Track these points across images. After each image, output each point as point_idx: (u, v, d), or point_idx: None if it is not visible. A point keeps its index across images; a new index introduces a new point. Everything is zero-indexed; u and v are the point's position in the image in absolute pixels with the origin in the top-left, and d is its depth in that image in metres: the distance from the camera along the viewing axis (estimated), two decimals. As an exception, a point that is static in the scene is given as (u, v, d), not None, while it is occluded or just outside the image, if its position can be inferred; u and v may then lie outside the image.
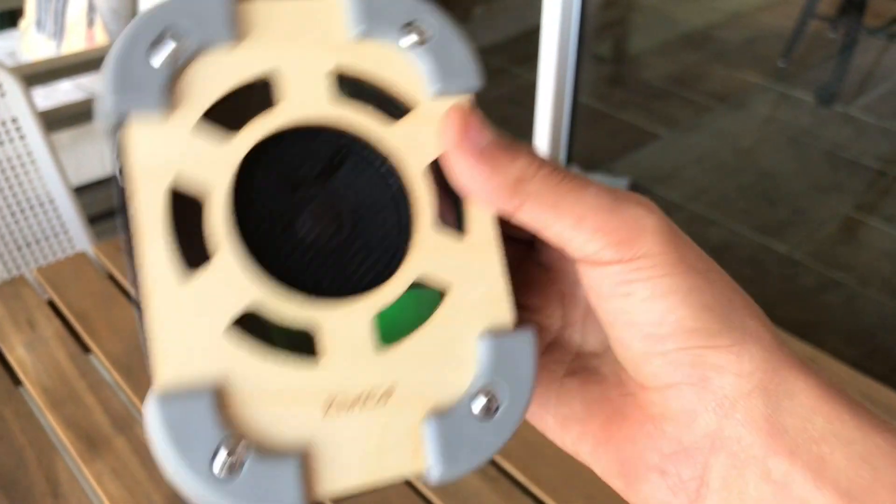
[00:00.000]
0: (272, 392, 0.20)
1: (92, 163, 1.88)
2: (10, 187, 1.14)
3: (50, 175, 1.14)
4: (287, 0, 0.21)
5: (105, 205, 1.99)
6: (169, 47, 0.20)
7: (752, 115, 2.58)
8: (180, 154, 0.20)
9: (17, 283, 0.89)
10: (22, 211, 1.15)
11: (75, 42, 1.99)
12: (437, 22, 0.23)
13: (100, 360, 0.79)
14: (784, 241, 1.99)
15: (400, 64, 0.22)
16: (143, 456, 0.69)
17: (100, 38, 1.97)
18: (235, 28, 0.21)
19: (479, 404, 0.22)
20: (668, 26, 3.15)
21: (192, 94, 0.21)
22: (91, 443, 0.70)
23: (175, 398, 0.20)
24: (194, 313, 0.20)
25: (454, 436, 0.22)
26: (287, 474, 0.20)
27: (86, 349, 0.80)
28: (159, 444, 0.20)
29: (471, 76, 0.23)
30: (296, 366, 0.21)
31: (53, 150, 1.14)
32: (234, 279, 0.20)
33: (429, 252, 0.22)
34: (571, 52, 1.77)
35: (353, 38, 0.22)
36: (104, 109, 0.20)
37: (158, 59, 0.20)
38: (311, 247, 0.22)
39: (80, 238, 1.19)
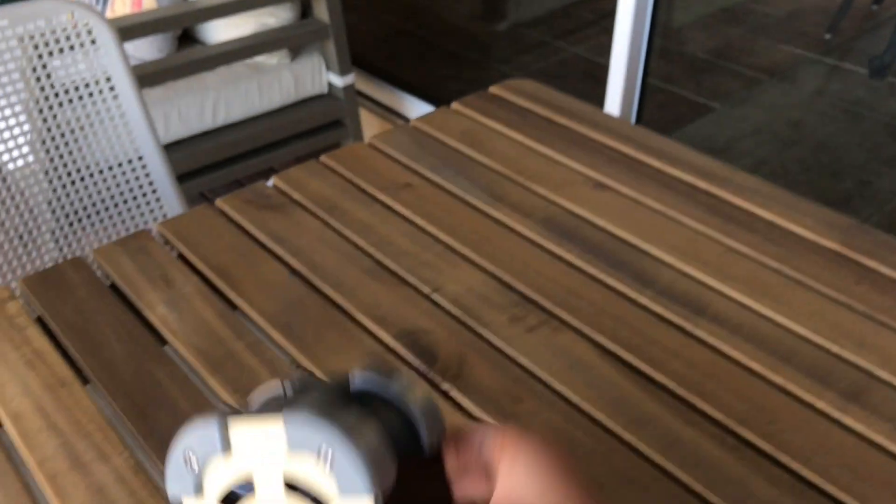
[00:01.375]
0: None
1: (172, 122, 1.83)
2: (98, 143, 1.05)
3: (141, 133, 1.05)
4: (252, 423, 0.33)
5: (185, 167, 1.93)
6: (192, 461, 0.34)
7: (802, 88, 2.51)
8: None
9: (141, 237, 0.80)
10: (111, 169, 1.06)
11: (119, 10, 1.89)
12: (340, 446, 0.32)
13: (251, 317, 0.71)
14: (852, 213, 1.93)
15: (320, 474, 0.33)
16: (328, 422, 0.61)
17: (147, 4, 1.86)
18: (227, 446, 0.34)
19: None
20: (706, 1, 3.08)
21: (209, 485, 0.35)
22: (266, 408, 0.62)
23: None
24: None
25: None
26: None
27: (233, 306, 0.72)
28: None
29: (362, 486, 0.32)
30: None
31: (145, 106, 1.05)
32: None
33: None
34: (646, 26, 1.71)
35: (289, 455, 0.33)
36: (170, 493, 0.35)
37: (188, 468, 0.34)
38: None
39: (169, 197, 1.10)
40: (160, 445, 0.59)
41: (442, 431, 0.40)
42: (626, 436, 0.60)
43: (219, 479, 0.35)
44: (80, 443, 0.59)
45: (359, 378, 0.39)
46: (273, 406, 0.38)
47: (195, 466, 0.35)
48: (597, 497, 0.36)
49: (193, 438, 0.35)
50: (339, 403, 0.36)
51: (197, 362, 0.66)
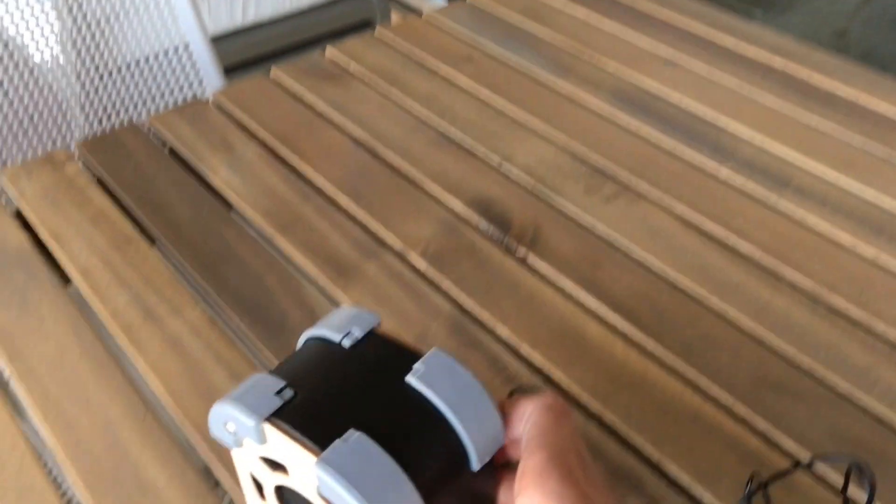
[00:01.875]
0: None
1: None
2: (144, 31, 1.01)
3: (186, 20, 1.01)
4: (289, 440, 0.32)
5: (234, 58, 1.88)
6: (230, 429, 0.35)
7: (848, -4, 2.41)
8: (251, 462, 0.36)
9: (197, 105, 0.77)
10: (156, 57, 1.02)
11: None
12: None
13: (316, 183, 0.68)
14: None
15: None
16: (403, 283, 0.59)
17: None
18: (263, 440, 0.33)
19: None
20: None
21: (249, 445, 0.35)
22: (339, 270, 0.60)
23: None
24: None
25: None
26: None
27: (298, 174, 0.69)
28: None
29: None
30: None
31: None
32: None
33: None
34: None
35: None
36: (212, 434, 0.36)
37: (227, 431, 0.35)
38: None
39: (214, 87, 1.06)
40: (233, 301, 0.57)
41: (498, 447, 0.35)
42: (713, 301, 0.58)
43: (256, 449, 0.35)
44: (151, 297, 0.57)
45: (423, 371, 0.34)
46: (324, 358, 0.36)
47: (233, 434, 0.35)
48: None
49: (234, 416, 0.34)
50: (383, 423, 0.33)
51: (265, 223, 0.64)
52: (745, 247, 0.62)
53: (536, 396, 0.35)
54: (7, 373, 0.53)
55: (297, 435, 0.32)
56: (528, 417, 0.35)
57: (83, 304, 0.58)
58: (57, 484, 0.47)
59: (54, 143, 1.00)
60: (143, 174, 0.69)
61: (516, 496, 0.32)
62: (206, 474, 0.47)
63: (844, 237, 0.63)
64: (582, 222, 0.65)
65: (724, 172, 0.69)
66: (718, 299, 0.58)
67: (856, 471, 0.42)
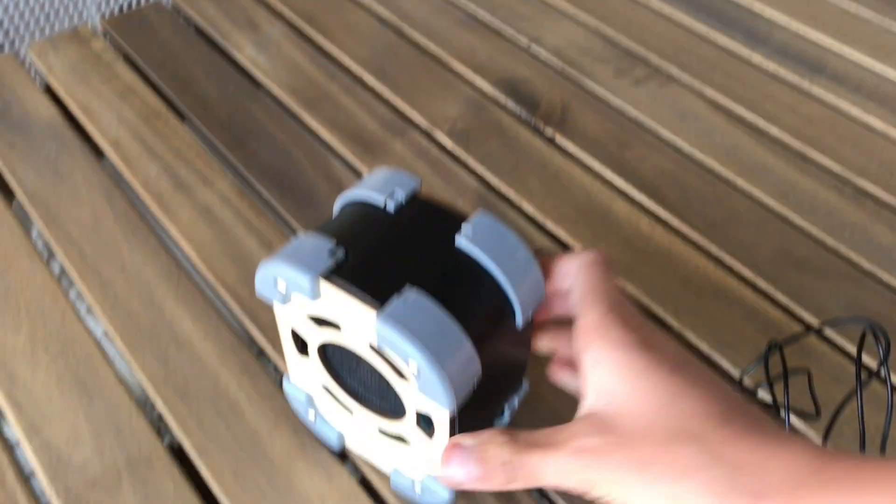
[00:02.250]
0: (329, 409, 0.42)
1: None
2: None
3: None
4: (346, 296, 0.33)
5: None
6: (281, 286, 0.35)
7: None
8: (297, 320, 0.37)
9: (222, -18, 0.76)
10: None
11: None
12: (427, 367, 0.31)
13: (343, 63, 0.68)
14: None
15: (403, 368, 0.33)
16: (429, 161, 0.59)
17: None
18: (317, 296, 0.34)
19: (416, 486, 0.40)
20: None
21: (298, 303, 0.36)
22: (366, 146, 0.60)
23: (293, 387, 0.43)
24: (303, 370, 0.41)
25: (398, 480, 0.41)
26: (334, 432, 0.42)
27: (324, 53, 0.69)
28: (290, 400, 0.44)
29: (441, 401, 0.32)
30: (340, 408, 0.41)
31: None
32: (317, 368, 0.39)
33: (409, 428, 0.37)
34: None
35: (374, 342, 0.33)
36: (258, 293, 0.37)
37: (276, 288, 0.36)
38: (357, 379, 0.39)
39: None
40: (262, 173, 0.58)
41: (539, 303, 0.37)
42: (740, 182, 0.58)
43: (305, 307, 0.36)
44: (181, 168, 0.58)
45: (471, 233, 0.35)
46: (370, 220, 0.36)
47: (283, 291, 0.35)
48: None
49: (289, 274, 0.34)
50: (436, 282, 0.33)
51: (292, 101, 0.64)
52: (774, 131, 0.62)
53: (579, 254, 0.36)
54: (45, 237, 0.54)
55: (356, 291, 0.33)
56: (577, 274, 0.35)
57: (115, 175, 0.59)
58: (96, 338, 0.48)
59: (72, 19, 0.99)
60: (169, 52, 0.69)
61: (581, 352, 0.33)
62: (241, 331, 0.49)
63: (877, 123, 0.62)
64: (611, 104, 0.64)
65: (757, 58, 0.68)
66: (745, 180, 0.58)
67: (870, 333, 0.42)
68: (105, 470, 0.42)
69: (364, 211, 0.37)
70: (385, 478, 0.42)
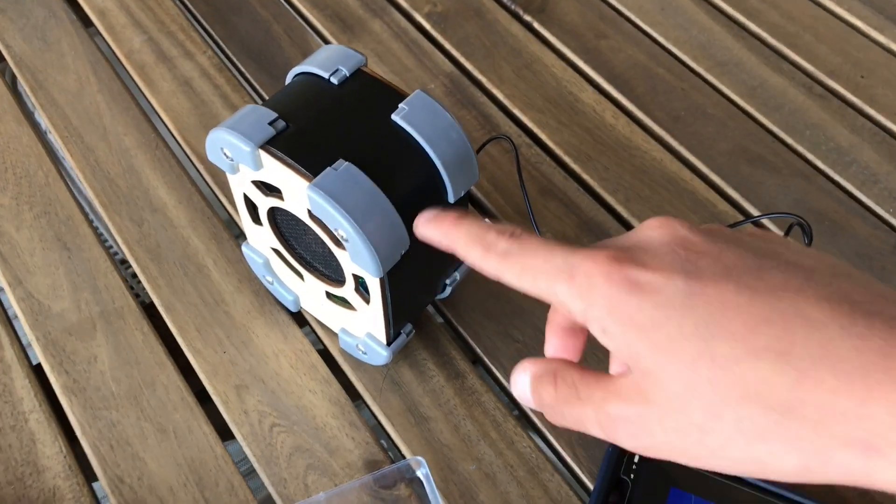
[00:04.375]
0: (284, 273, 0.45)
1: None
2: None
3: None
4: (282, 166, 0.36)
5: None
6: (227, 155, 0.38)
7: None
8: (246, 186, 0.40)
9: None
10: None
11: None
12: (355, 237, 0.34)
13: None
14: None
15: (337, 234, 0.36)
16: (406, 42, 0.60)
17: None
18: (259, 167, 0.37)
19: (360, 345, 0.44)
20: None
21: (244, 171, 0.39)
22: (344, 24, 0.61)
23: (252, 249, 0.46)
24: (258, 235, 0.43)
25: (345, 338, 0.44)
26: (290, 294, 0.46)
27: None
28: (249, 262, 0.47)
29: (370, 269, 0.36)
30: (292, 274, 0.44)
31: None
32: (269, 233, 0.42)
33: (349, 293, 0.41)
34: None
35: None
36: (209, 158, 0.39)
37: (224, 156, 0.38)
38: (303, 246, 0.42)
39: None
40: (241, 48, 0.60)
41: (472, 183, 0.39)
42: (710, 77, 0.59)
43: (251, 174, 0.38)
44: (164, 40, 0.60)
45: (408, 110, 0.37)
46: (313, 93, 0.38)
47: (229, 159, 0.38)
48: None
49: (230, 142, 0.36)
50: (369, 155, 0.35)
51: (275, -24, 0.65)
52: (753, 26, 0.62)
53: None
54: (32, 102, 0.56)
55: (291, 162, 0.35)
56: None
57: (100, 42, 0.60)
58: (77, 200, 0.51)
59: None
60: (158, -81, 0.69)
61: (585, 319, 0.26)
62: (213, 199, 0.52)
63: (858, 22, 0.62)
64: (593, -8, 0.64)
65: (749, -51, 0.67)
66: (715, 75, 0.59)
67: (798, 228, 0.44)
68: (81, 320, 0.46)
69: (310, 83, 0.39)
70: (334, 338, 0.46)
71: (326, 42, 0.61)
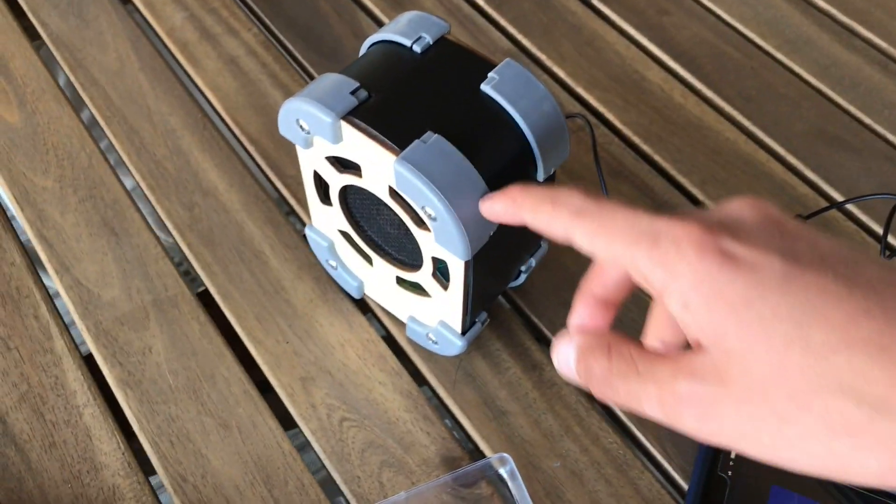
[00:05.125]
0: (349, 257, 0.43)
1: None
2: None
3: None
4: (366, 138, 0.33)
5: None
6: (304, 127, 0.35)
7: None
8: (319, 163, 0.37)
9: None
10: None
11: None
12: (444, 215, 0.32)
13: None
14: None
15: (422, 214, 0.33)
16: (460, 18, 0.57)
17: None
18: (339, 139, 0.34)
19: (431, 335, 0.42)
20: None
21: (320, 145, 0.36)
22: (395, 1, 0.59)
23: (316, 232, 0.43)
24: (325, 216, 0.41)
25: (414, 327, 0.42)
26: (355, 280, 0.43)
27: None
28: (312, 246, 0.45)
29: (458, 251, 0.33)
30: (359, 258, 0.42)
31: None
32: (338, 215, 0.40)
33: (425, 278, 0.38)
34: None
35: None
36: (281, 131, 0.37)
37: (300, 128, 0.35)
38: (376, 228, 0.40)
39: None
40: (288, 25, 0.57)
41: (563, 160, 0.36)
42: (780, 55, 0.56)
43: (327, 149, 0.35)
44: (207, 17, 0.57)
45: (498, 79, 0.34)
46: (395, 62, 0.36)
47: (306, 132, 0.35)
48: None
49: (311, 112, 0.34)
50: (457, 127, 0.33)
51: (320, -49, 0.62)
52: (821, 2, 0.59)
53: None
54: (71, 81, 0.54)
55: (376, 134, 0.33)
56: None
57: (141, 22, 0.58)
58: (122, 183, 0.49)
59: None
60: None
61: (662, 292, 0.24)
62: (266, 183, 0.49)
63: (932, -2, 0.59)
64: (652, -32, 0.61)
65: (813, -77, 0.64)
66: (785, 53, 0.56)
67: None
68: (133, 309, 0.43)
69: (390, 51, 0.36)
70: (402, 327, 0.43)
71: (377, 20, 0.58)
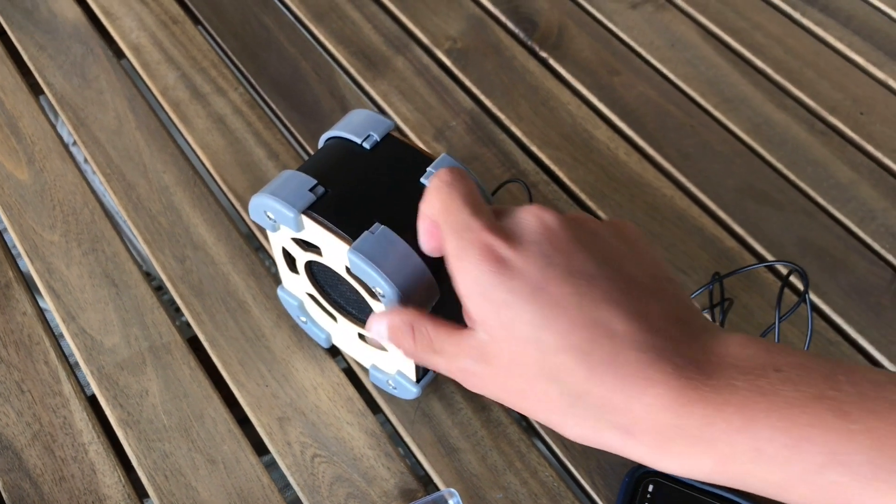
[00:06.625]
0: (317, 314, 0.48)
1: None
2: None
3: None
4: (324, 230, 0.39)
5: None
6: (270, 216, 0.41)
7: None
8: (286, 242, 0.43)
9: None
10: None
11: None
12: (391, 295, 0.37)
13: (352, -27, 0.70)
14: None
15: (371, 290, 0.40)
16: (428, 79, 0.63)
17: None
18: (300, 229, 0.40)
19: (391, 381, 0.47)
20: None
21: (285, 230, 0.42)
22: (369, 61, 0.64)
23: (287, 293, 0.49)
24: (294, 281, 0.47)
25: (376, 374, 0.48)
26: (323, 332, 0.49)
27: (334, -40, 0.71)
28: (284, 304, 0.50)
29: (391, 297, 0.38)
30: (326, 315, 0.47)
31: None
32: (305, 281, 0.45)
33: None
34: None
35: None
36: (251, 217, 0.48)
37: (266, 217, 0.41)
38: (338, 293, 0.45)
39: None
40: (271, 86, 0.62)
41: None
42: (717, 113, 0.62)
43: (292, 233, 0.42)
44: (197, 77, 0.63)
45: (434, 172, 0.38)
46: (347, 158, 0.42)
47: (273, 220, 0.41)
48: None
49: (275, 208, 0.39)
50: (401, 217, 0.38)
51: (301, 12, 0.67)
52: (758, 62, 0.65)
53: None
54: (75, 139, 0.59)
55: (332, 226, 0.38)
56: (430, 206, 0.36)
57: (136, 77, 0.63)
58: (122, 237, 0.55)
59: None
60: (186, -47, 0.71)
61: (455, 284, 0.34)
62: (250, 236, 0.55)
63: (858, 59, 0.65)
64: (607, 26, 0.67)
65: (755, -16, 0.70)
66: (722, 111, 0.62)
67: (797, 274, 0.48)
68: (132, 355, 0.49)
69: (343, 149, 0.42)
70: (365, 371, 0.49)
71: (353, 80, 0.63)
